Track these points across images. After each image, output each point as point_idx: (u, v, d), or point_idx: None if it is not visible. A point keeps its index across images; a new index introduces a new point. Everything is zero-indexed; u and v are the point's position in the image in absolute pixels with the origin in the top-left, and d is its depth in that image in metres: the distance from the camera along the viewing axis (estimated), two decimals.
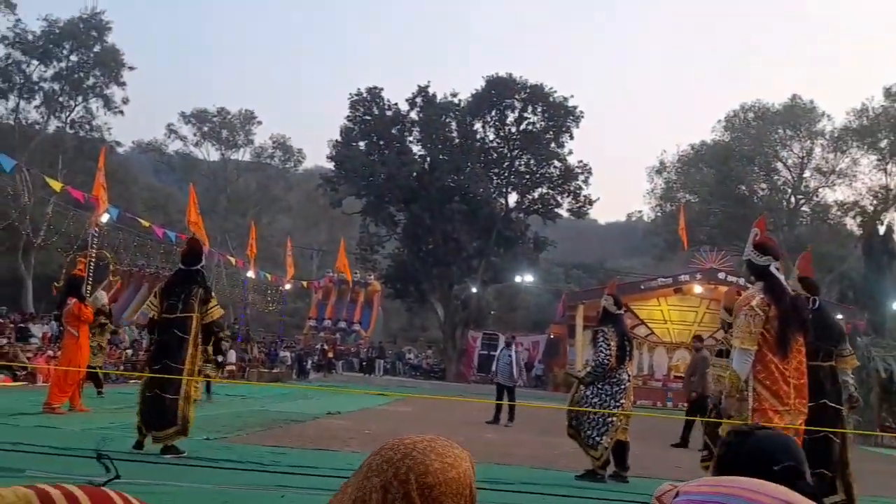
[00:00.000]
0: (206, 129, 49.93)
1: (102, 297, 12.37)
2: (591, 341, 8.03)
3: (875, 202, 42.81)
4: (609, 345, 7.37)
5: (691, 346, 13.86)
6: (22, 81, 36.70)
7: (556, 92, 37.86)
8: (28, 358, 15.50)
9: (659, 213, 47.32)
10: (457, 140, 37.77)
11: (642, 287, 29.43)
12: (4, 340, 15.99)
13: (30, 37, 36.17)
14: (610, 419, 7.26)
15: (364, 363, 35.75)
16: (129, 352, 19.59)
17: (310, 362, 31.16)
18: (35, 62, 36.79)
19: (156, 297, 7.18)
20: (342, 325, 42.02)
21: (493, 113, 38.27)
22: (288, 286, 32.43)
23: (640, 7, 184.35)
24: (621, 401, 7.39)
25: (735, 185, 43.51)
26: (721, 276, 27.73)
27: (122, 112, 39.40)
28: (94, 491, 1.07)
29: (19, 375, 13.66)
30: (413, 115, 37.62)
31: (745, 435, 1.48)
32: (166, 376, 6.71)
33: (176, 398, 6.72)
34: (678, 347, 28.99)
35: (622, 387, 7.43)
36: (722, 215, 43.25)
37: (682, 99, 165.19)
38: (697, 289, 28.61)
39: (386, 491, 1.09)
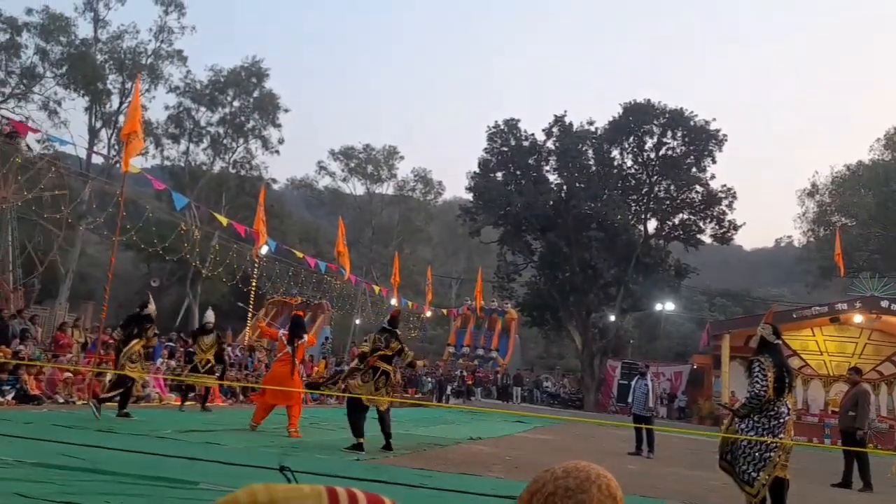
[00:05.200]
0: (352, 164, 52.58)
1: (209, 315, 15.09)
2: (747, 371, 7.76)
3: None
4: (766, 375, 6.95)
5: (848, 378, 13.19)
6: (192, 127, 40.26)
7: (696, 115, 37.10)
8: None
9: (812, 238, 44.84)
10: (594, 167, 37.68)
11: (795, 315, 27.92)
12: (174, 363, 17.31)
13: (198, 86, 39.67)
14: (768, 454, 6.84)
15: (501, 390, 36.05)
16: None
17: (449, 388, 31.86)
18: (203, 109, 40.28)
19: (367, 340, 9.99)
20: (480, 352, 42.58)
21: (631, 139, 37.94)
22: (428, 313, 33.43)
23: (784, 24, 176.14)
24: (780, 435, 6.91)
25: None
26: (884, 304, 25.98)
27: (277, 152, 42.24)
28: (371, 496, 1.18)
29: (190, 396, 14.74)
30: (549, 144, 37.97)
31: None
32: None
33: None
34: (836, 380, 27.28)
35: (781, 420, 6.95)
36: (883, 240, 40.35)
37: (834, 118, 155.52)
38: (857, 318, 26.86)
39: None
